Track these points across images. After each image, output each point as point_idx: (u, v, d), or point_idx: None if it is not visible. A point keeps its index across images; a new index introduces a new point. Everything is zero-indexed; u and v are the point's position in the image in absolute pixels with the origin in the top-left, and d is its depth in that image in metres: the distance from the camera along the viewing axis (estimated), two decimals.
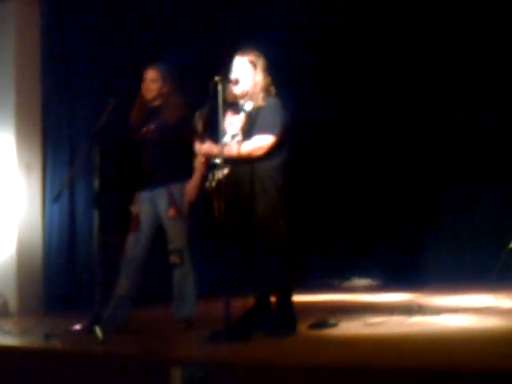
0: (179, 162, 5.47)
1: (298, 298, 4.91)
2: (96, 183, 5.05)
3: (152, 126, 5.53)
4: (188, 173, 5.42)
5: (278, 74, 5.06)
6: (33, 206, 7.36)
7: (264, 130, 4.77)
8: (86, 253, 7.08)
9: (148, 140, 5.53)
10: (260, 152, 4.76)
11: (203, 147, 4.92)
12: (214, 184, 4.77)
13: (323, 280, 9.43)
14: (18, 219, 7.25)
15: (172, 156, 5.46)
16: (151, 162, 5.50)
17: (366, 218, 9.73)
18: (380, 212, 9.68)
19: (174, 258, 5.37)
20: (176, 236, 5.38)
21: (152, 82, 5.54)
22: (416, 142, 9.45)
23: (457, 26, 8.76)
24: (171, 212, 5.35)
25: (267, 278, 4.73)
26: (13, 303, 7.11)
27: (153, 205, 5.47)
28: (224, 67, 4.90)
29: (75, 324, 5.09)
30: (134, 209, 5.49)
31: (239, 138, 4.86)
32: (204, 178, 5.20)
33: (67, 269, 7.41)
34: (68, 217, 7.48)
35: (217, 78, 4.64)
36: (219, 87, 4.63)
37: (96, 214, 5.03)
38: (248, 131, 4.84)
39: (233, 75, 4.89)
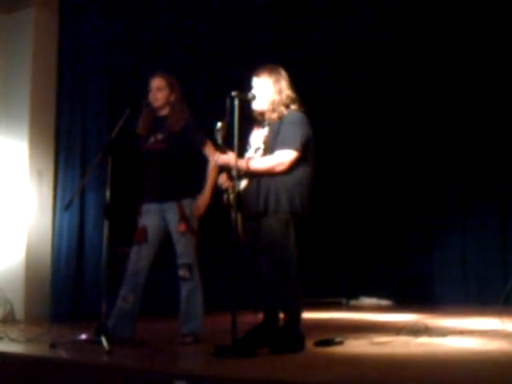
0: (190, 176, 5.44)
1: (305, 315, 4.89)
2: (108, 194, 5.06)
3: (160, 137, 5.43)
4: (198, 187, 5.39)
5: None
6: (43, 214, 7.39)
7: (286, 145, 4.74)
8: (95, 263, 7.11)
9: (157, 151, 5.43)
10: (282, 167, 4.73)
11: (222, 158, 4.84)
12: (232, 197, 4.76)
13: (331, 298, 9.43)
14: (27, 226, 7.28)
15: (183, 169, 5.41)
16: (161, 175, 5.41)
17: (375, 239, 9.74)
18: (390, 233, 9.70)
19: (183, 272, 5.32)
20: (185, 250, 5.32)
21: (159, 90, 5.44)
22: (429, 168, 9.50)
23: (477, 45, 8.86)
24: (182, 227, 5.28)
25: (276, 295, 4.72)
26: (20, 311, 7.13)
27: (161, 218, 5.40)
28: (243, 84, 4.93)
29: (81, 333, 5.08)
30: (141, 221, 5.44)
31: (261, 152, 4.86)
32: (214, 193, 5.22)
33: (75, 278, 7.40)
34: (78, 226, 7.48)
35: (233, 93, 4.67)
36: (235, 102, 4.65)
37: (106, 225, 5.04)
38: (270, 144, 4.82)
39: (251, 92, 4.90)
